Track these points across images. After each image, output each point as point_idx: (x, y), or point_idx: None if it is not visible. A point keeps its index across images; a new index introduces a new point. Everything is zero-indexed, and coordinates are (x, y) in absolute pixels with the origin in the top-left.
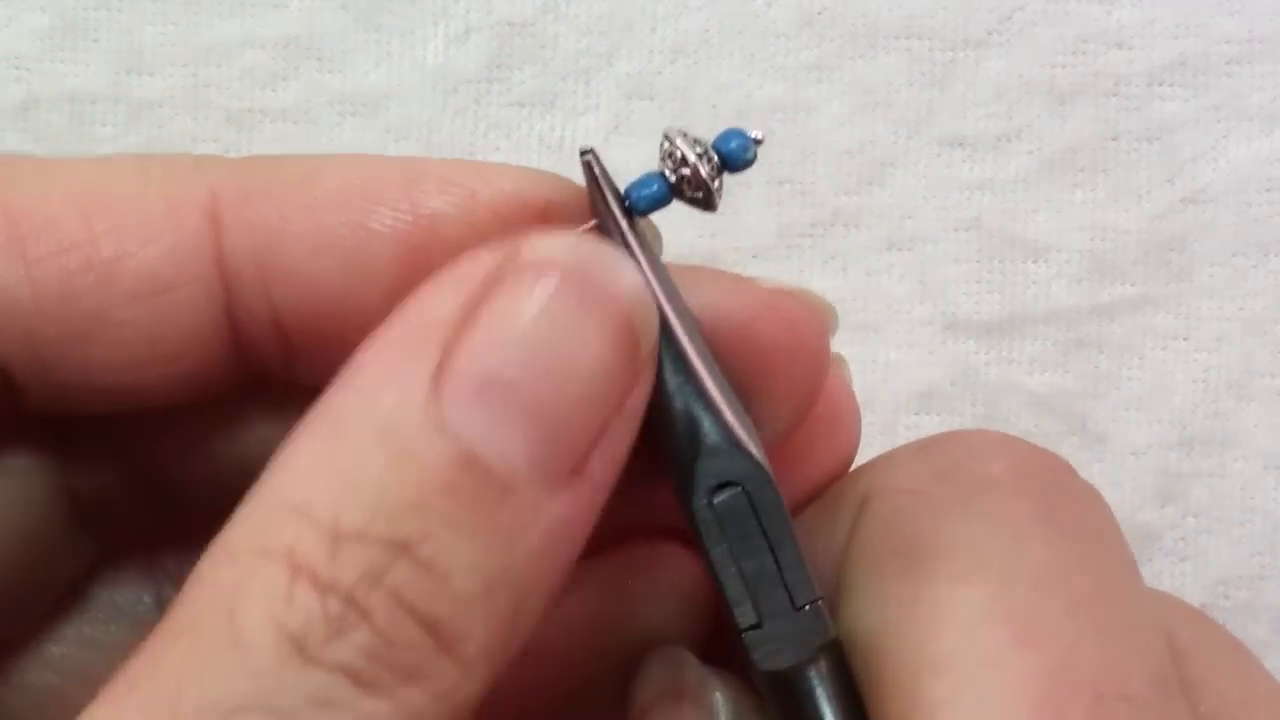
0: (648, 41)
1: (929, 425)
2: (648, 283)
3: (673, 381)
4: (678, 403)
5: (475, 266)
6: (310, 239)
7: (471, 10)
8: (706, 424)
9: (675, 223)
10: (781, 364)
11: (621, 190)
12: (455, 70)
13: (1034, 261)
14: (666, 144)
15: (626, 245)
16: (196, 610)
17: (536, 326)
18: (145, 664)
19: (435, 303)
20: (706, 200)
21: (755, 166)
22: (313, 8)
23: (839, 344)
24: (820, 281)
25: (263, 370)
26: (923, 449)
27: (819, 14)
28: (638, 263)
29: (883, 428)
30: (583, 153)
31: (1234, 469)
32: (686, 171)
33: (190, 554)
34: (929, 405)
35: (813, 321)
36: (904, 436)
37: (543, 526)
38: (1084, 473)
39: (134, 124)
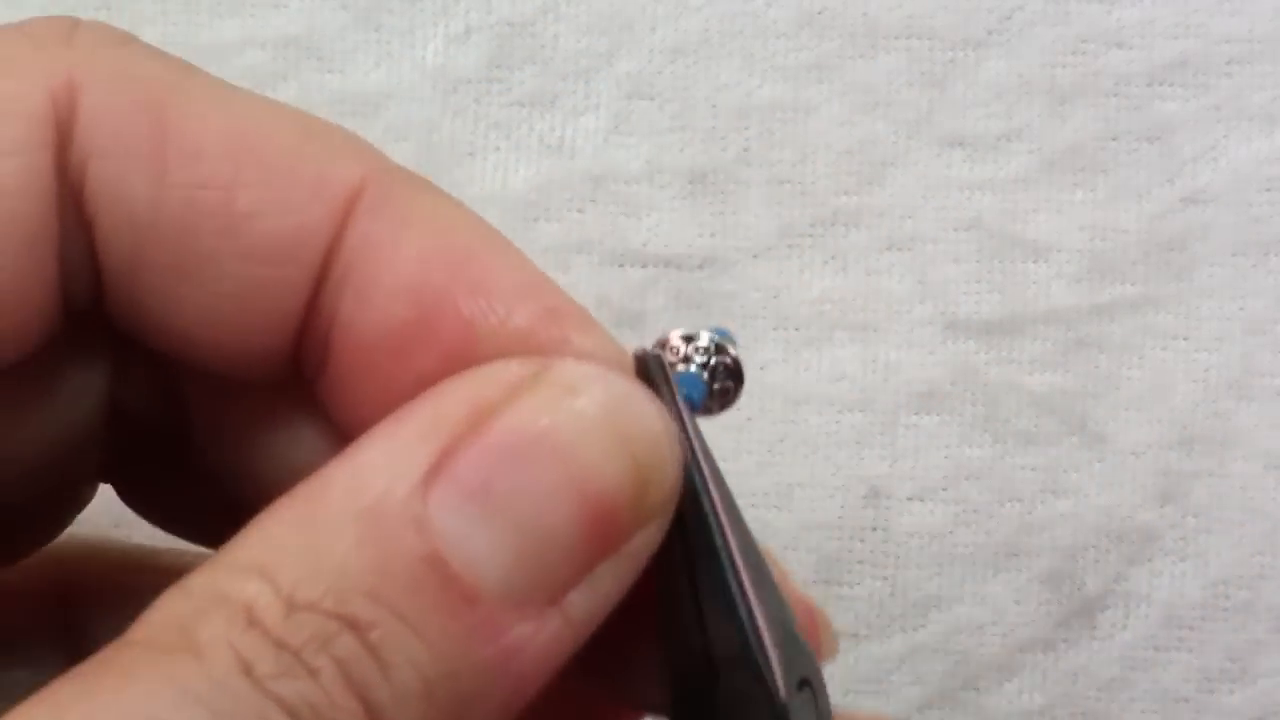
0: (648, 41)
1: (929, 425)
2: (690, 463)
3: (711, 577)
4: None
5: (502, 374)
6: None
7: (471, 10)
8: (735, 630)
9: (675, 222)
10: None
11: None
12: (455, 70)
13: (1034, 261)
14: (681, 348)
15: (691, 441)
16: (152, 630)
17: (545, 448)
18: (94, 670)
19: (452, 400)
20: (737, 380)
21: (755, 166)
22: (313, 8)
23: (839, 344)
24: (820, 281)
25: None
26: None
27: (819, 14)
28: (699, 462)
29: (883, 427)
30: (638, 356)
31: (1234, 469)
32: (718, 361)
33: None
34: (929, 405)
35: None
36: (904, 436)
37: (501, 645)
38: (1084, 472)
39: None
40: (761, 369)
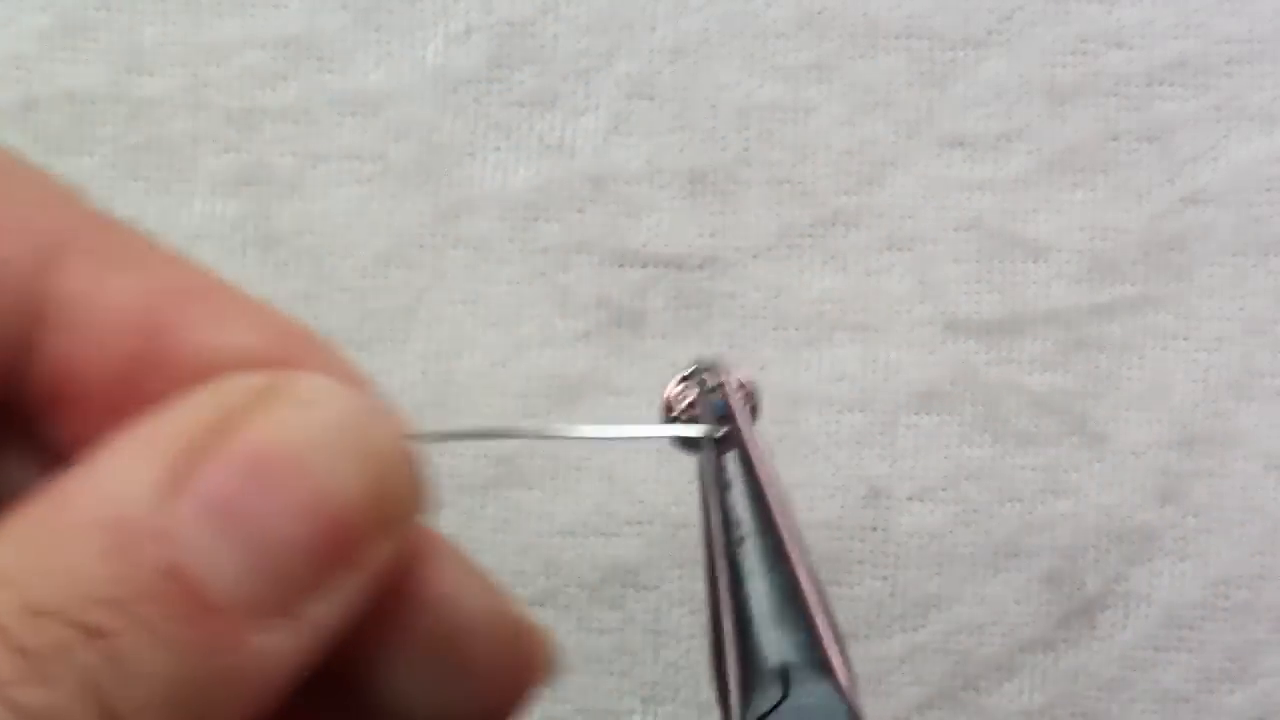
0: (648, 41)
1: (929, 425)
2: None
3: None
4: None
5: (238, 386)
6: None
7: (471, 10)
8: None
9: (675, 223)
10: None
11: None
12: (455, 70)
13: (1034, 261)
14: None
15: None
16: None
17: (281, 461)
18: None
19: (190, 412)
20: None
21: (755, 166)
22: (313, 7)
23: (839, 344)
24: (820, 281)
25: None
26: None
27: (819, 14)
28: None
29: (882, 427)
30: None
31: (1234, 469)
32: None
33: None
34: (929, 405)
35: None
36: (904, 436)
37: (239, 654)
38: (1084, 472)
39: (134, 124)
40: (761, 369)
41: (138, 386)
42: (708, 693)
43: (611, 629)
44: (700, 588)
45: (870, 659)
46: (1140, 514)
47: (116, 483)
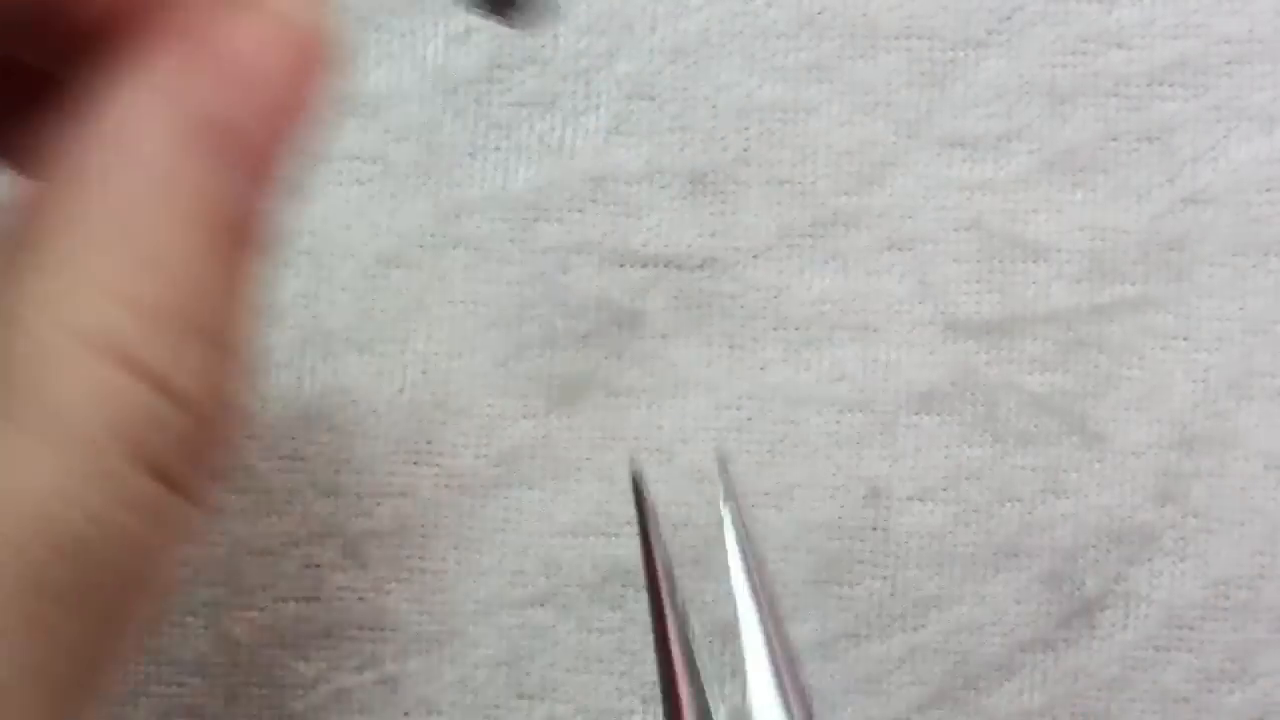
0: (648, 42)
1: (929, 425)
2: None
3: None
4: None
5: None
6: None
7: None
8: None
9: (675, 223)
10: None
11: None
12: (455, 70)
13: (1034, 261)
14: None
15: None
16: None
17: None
18: None
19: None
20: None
21: (755, 166)
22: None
23: (839, 344)
24: (820, 281)
25: None
26: None
27: (819, 14)
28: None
29: (882, 427)
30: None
31: (1234, 469)
32: None
33: None
34: (929, 405)
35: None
36: (904, 436)
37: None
38: (1084, 472)
39: None
40: (762, 369)
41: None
42: (708, 692)
43: (612, 629)
44: (701, 587)
45: (870, 659)
46: (1140, 514)
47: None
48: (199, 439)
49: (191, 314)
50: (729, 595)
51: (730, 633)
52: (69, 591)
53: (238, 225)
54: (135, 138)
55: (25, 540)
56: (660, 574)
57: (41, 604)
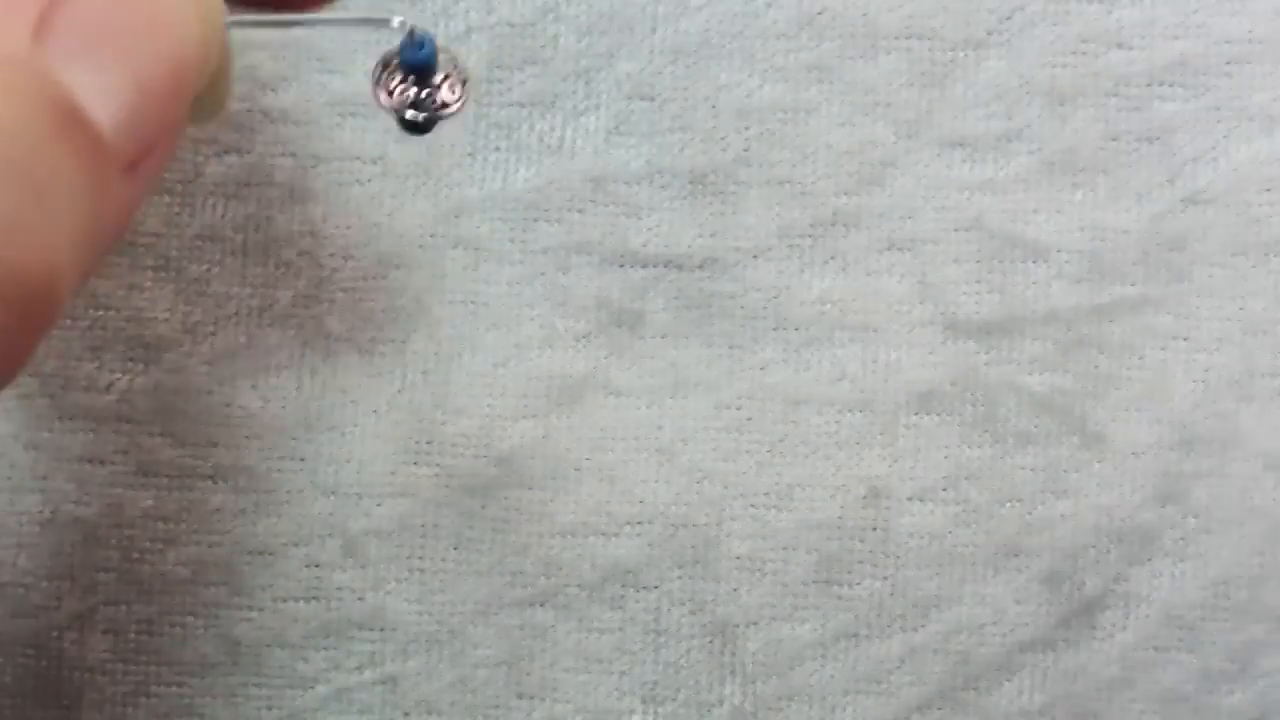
0: (648, 42)
1: (929, 425)
2: None
3: None
4: None
5: None
6: None
7: (471, 10)
8: None
9: (675, 223)
10: None
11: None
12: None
13: (1034, 262)
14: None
15: None
16: None
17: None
18: None
19: None
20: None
21: (755, 166)
22: None
23: (839, 344)
24: (820, 281)
25: None
26: None
27: (819, 14)
28: None
29: (883, 428)
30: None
31: (1234, 469)
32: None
33: None
34: (929, 405)
35: None
36: (904, 437)
37: (116, 199)
38: (1084, 472)
39: None
40: (762, 369)
41: None
42: (709, 692)
43: (611, 629)
44: (699, 587)
45: (870, 659)
46: (1140, 514)
47: None
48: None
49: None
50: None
51: (729, 632)
52: None
53: (63, 106)
54: None
55: None
56: None
57: None
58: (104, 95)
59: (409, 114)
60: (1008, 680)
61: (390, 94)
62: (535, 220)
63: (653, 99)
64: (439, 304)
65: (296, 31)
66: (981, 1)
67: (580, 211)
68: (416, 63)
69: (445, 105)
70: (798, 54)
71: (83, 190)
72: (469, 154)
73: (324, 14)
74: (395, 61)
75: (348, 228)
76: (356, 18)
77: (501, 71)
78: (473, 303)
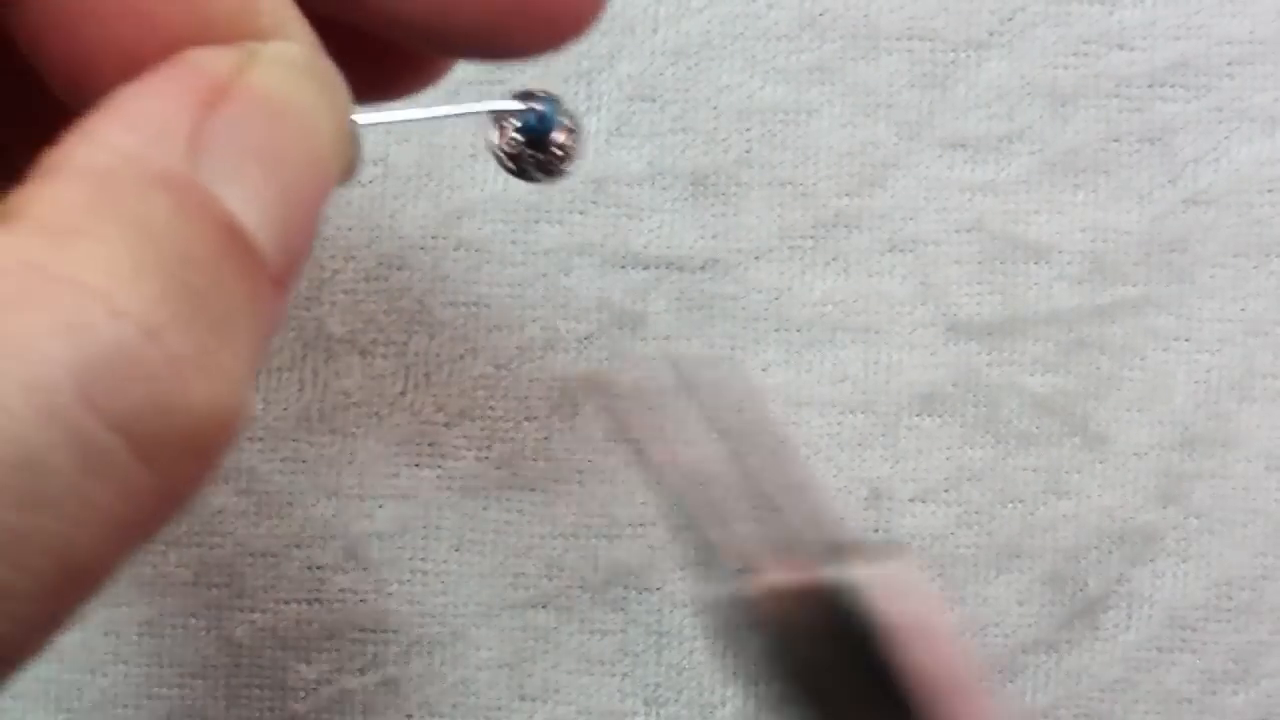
0: (649, 43)
1: (930, 426)
2: None
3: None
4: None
5: (227, 51)
6: None
7: None
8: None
9: (677, 224)
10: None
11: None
12: (457, 71)
13: (1035, 263)
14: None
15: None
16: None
17: (285, 103)
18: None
19: (189, 73)
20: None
21: (757, 168)
22: None
23: (840, 345)
24: (822, 283)
25: None
26: None
27: (820, 15)
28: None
29: (884, 429)
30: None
31: (1236, 470)
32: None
33: None
34: (930, 407)
35: None
36: (905, 438)
37: (276, 306)
38: (1085, 473)
39: None
40: (763, 371)
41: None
42: (710, 694)
43: (614, 631)
44: (702, 588)
45: None
46: (1142, 515)
47: (147, 141)
48: (174, 398)
49: (170, 270)
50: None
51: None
52: None
53: (228, 226)
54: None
55: None
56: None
57: None
58: (258, 210)
59: (515, 164)
60: (1010, 682)
61: (501, 137)
62: (537, 222)
63: (654, 100)
64: (441, 306)
65: None
66: (983, 2)
67: (581, 213)
68: (537, 131)
69: (557, 159)
70: (799, 55)
71: (253, 313)
72: (470, 155)
73: (458, 107)
74: (512, 120)
75: (349, 229)
76: (492, 108)
77: (503, 73)
78: (474, 304)
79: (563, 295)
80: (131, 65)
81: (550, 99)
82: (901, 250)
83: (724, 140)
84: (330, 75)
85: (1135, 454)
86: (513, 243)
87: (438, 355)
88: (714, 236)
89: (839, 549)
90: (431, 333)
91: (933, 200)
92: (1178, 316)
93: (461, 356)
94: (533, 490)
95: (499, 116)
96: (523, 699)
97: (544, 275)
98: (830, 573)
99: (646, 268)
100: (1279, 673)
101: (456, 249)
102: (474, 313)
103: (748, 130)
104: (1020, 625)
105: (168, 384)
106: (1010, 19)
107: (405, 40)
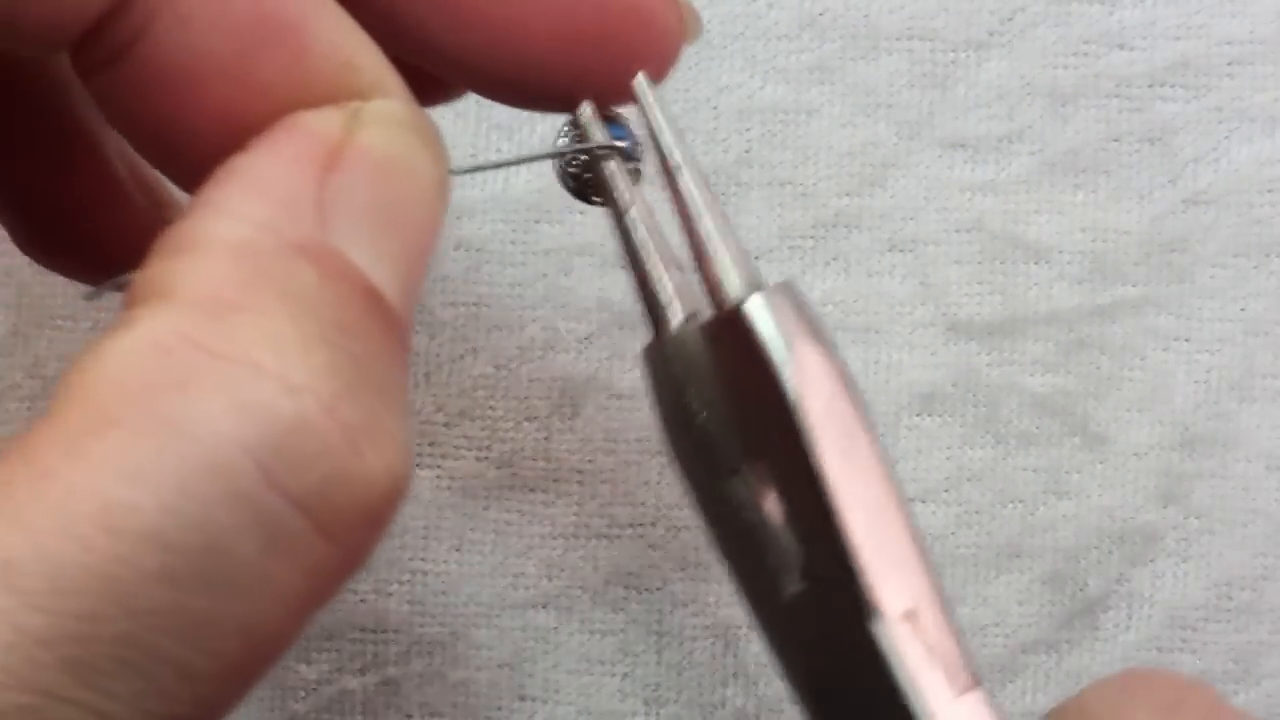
0: None
1: (931, 426)
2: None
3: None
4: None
5: (341, 110)
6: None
7: None
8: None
9: (676, 225)
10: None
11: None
12: None
13: (1035, 263)
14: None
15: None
16: (119, 400)
17: (400, 165)
18: (50, 452)
19: (302, 137)
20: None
21: (757, 167)
22: None
23: (841, 345)
24: (822, 283)
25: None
26: (1123, 693)
27: (820, 15)
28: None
29: (884, 429)
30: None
31: (1236, 470)
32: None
33: None
34: (930, 407)
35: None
36: (906, 438)
37: (402, 358)
38: (1085, 473)
39: None
40: None
41: (232, 88)
42: (711, 694)
43: (614, 631)
44: (702, 589)
45: None
46: (1142, 515)
47: (273, 209)
48: (353, 469)
49: (332, 339)
50: (733, 594)
51: (731, 634)
52: (171, 612)
53: (366, 287)
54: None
55: (110, 552)
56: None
57: (136, 625)
58: (385, 268)
59: (575, 180)
60: (1010, 681)
61: (566, 158)
62: (537, 222)
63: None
64: (441, 306)
65: None
66: (983, 2)
67: (581, 213)
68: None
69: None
70: (799, 55)
71: (400, 372)
72: (471, 155)
73: (551, 150)
74: (584, 141)
75: None
76: (586, 147)
77: None
78: (475, 304)
79: (563, 295)
80: (235, 129)
81: (620, 126)
82: (901, 250)
83: (724, 140)
84: (430, 127)
85: (1135, 454)
86: (513, 243)
87: (438, 355)
88: None
89: (749, 287)
90: (431, 333)
91: (933, 200)
92: (1178, 316)
93: (461, 356)
94: (533, 490)
95: (572, 132)
96: (522, 699)
97: (544, 275)
98: (729, 308)
99: None
100: (1279, 673)
101: (457, 249)
102: (474, 313)
103: (748, 130)
104: (1020, 625)
105: (346, 457)
106: (1010, 19)
107: (445, 74)
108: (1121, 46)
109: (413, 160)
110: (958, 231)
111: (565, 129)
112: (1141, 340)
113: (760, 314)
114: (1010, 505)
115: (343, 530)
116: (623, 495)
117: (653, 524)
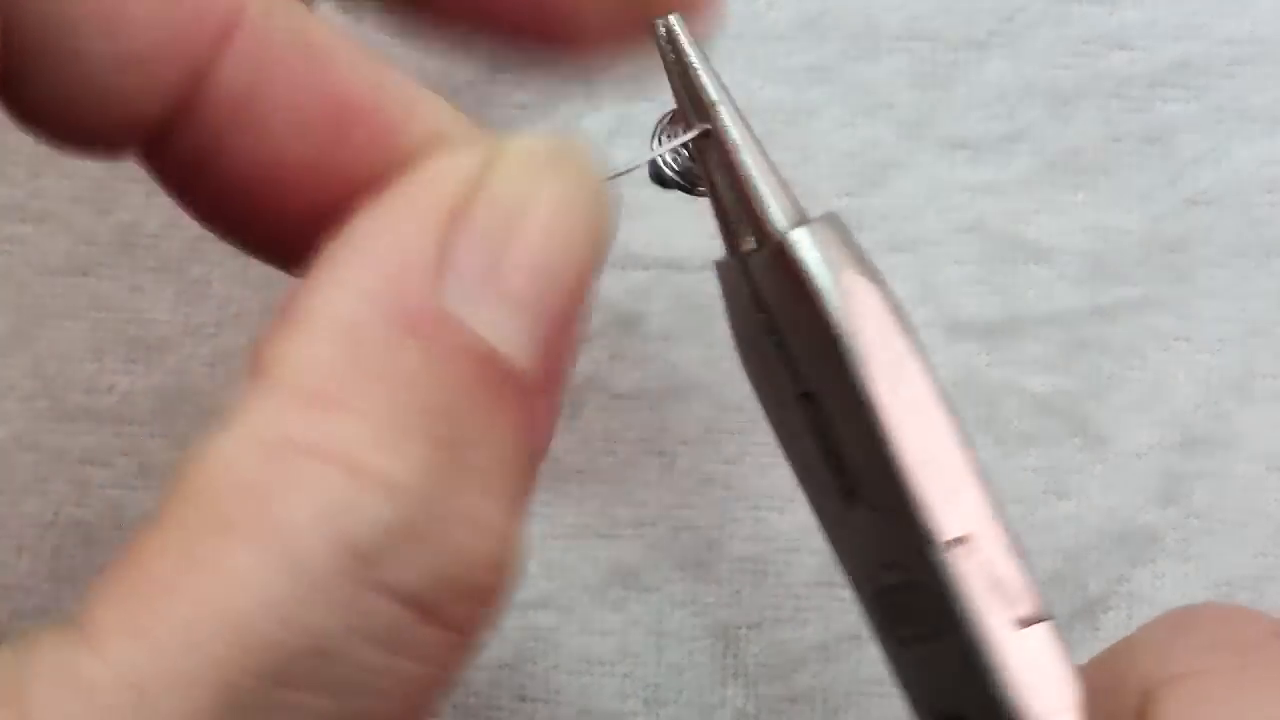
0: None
1: None
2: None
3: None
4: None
5: (458, 161)
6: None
7: None
8: None
9: (677, 225)
10: None
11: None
12: (458, 72)
13: (1036, 263)
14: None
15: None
16: (228, 505)
17: (532, 219)
18: (168, 566)
19: (426, 191)
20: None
21: None
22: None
23: None
24: None
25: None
26: (1173, 629)
27: (820, 15)
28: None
29: None
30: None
31: (1236, 470)
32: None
33: None
34: None
35: None
36: None
37: (548, 418)
38: (1086, 474)
39: None
40: None
41: (320, 172)
42: (711, 695)
43: (614, 631)
44: (701, 589)
45: (873, 660)
46: (1142, 515)
47: (390, 280)
48: (453, 561)
49: (431, 427)
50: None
51: (731, 634)
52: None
53: (482, 356)
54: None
55: (231, 661)
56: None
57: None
58: (513, 324)
59: (668, 173)
60: None
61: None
62: None
63: (654, 100)
64: None
65: None
66: (983, 2)
67: None
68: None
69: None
70: (799, 55)
71: (517, 442)
72: None
73: (666, 145)
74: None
75: None
76: (685, 139)
77: (503, 73)
78: None
79: None
80: (329, 211)
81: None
82: (902, 250)
83: None
84: (578, 151)
85: (1135, 454)
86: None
87: None
88: (714, 237)
89: (794, 220)
90: None
91: (933, 200)
92: (1178, 317)
93: None
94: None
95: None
96: (522, 699)
97: None
98: (775, 242)
99: (646, 268)
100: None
101: None
102: None
103: None
104: None
105: (444, 549)
106: (1010, 19)
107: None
108: (1122, 47)
109: (552, 198)
110: (958, 232)
111: (657, 128)
112: (1142, 340)
113: (805, 246)
114: (1010, 505)
115: (452, 615)
116: (623, 495)
117: (653, 524)
